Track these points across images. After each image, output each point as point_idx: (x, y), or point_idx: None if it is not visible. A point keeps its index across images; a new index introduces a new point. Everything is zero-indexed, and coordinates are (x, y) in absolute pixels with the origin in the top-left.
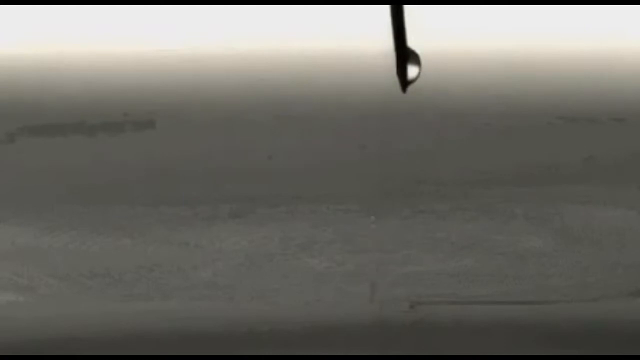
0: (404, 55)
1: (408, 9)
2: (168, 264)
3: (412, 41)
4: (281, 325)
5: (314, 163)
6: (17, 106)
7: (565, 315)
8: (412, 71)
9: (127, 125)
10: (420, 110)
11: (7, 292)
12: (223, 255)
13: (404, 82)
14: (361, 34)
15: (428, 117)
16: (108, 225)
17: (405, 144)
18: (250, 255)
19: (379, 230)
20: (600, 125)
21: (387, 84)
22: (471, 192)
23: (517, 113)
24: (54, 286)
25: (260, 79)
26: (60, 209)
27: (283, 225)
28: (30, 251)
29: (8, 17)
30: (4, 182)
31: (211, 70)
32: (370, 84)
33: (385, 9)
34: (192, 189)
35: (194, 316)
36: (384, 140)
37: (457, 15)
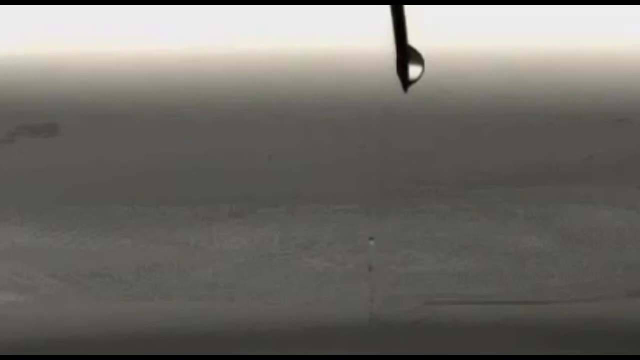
0: (405, 54)
1: (408, 9)
2: (168, 264)
3: (412, 41)
4: (281, 325)
5: (314, 163)
6: (17, 106)
7: (565, 315)
8: (414, 70)
9: (128, 125)
10: (420, 110)
11: (7, 292)
12: (223, 255)
13: (405, 82)
14: (361, 34)
15: (428, 117)
16: (108, 225)
17: (405, 144)
18: (250, 255)
19: (379, 230)
20: (600, 125)
21: (387, 84)
22: (471, 192)
23: (517, 113)
24: (54, 286)
25: (260, 79)
26: (60, 209)
27: (283, 225)
28: (30, 251)
29: (8, 17)
30: (4, 182)
31: (211, 70)
32: (370, 84)
33: (386, 9)
34: (192, 189)
35: (194, 316)
36: (384, 140)
37: (457, 15)
